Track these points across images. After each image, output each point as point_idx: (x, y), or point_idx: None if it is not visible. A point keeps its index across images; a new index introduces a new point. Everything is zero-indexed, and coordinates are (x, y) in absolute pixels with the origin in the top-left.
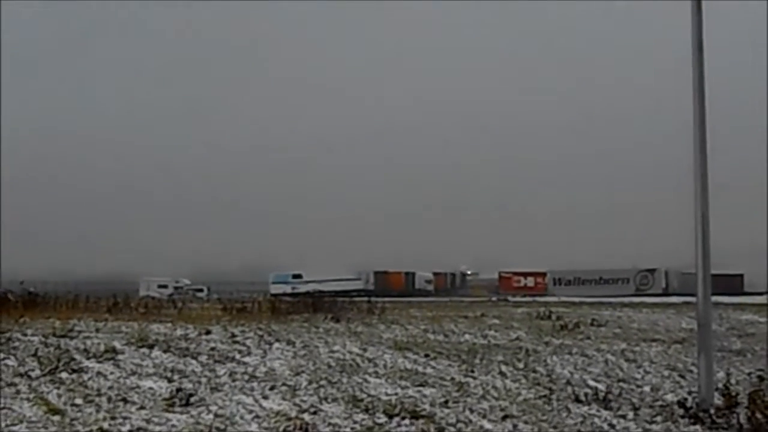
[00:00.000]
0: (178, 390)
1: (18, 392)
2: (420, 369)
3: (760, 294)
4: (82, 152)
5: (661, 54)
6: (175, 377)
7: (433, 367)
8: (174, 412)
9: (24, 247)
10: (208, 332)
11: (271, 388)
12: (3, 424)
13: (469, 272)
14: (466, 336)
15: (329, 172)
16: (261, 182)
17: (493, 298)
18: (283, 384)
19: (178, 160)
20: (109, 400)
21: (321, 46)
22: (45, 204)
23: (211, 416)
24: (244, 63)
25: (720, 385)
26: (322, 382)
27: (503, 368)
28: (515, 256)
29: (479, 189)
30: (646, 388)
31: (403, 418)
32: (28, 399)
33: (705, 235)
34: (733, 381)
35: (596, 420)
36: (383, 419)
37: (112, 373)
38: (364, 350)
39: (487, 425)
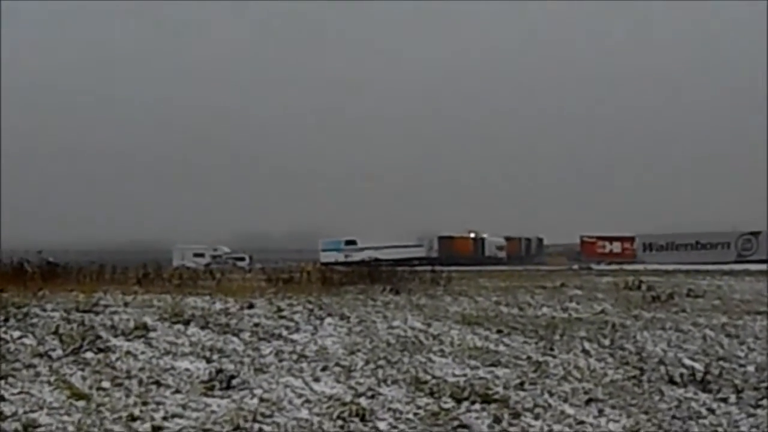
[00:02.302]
0: (218, 371)
1: (37, 375)
2: (492, 347)
3: None
4: (109, 108)
5: None
6: (215, 357)
7: (507, 345)
8: (213, 396)
9: (42, 212)
10: (251, 306)
11: (323, 369)
12: (21, 411)
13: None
14: (544, 309)
15: (386, 128)
16: (308, 140)
17: (574, 267)
18: (337, 364)
19: (216, 119)
20: (140, 383)
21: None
22: (65, 164)
23: (255, 401)
24: (306, 28)
25: None
26: (381, 362)
27: (587, 345)
28: (597, 218)
29: (551, 146)
30: (750, 368)
31: (473, 403)
32: (48, 382)
33: None
34: None
35: (693, 404)
36: (450, 404)
37: (143, 352)
38: (428, 325)
39: (569, 410)
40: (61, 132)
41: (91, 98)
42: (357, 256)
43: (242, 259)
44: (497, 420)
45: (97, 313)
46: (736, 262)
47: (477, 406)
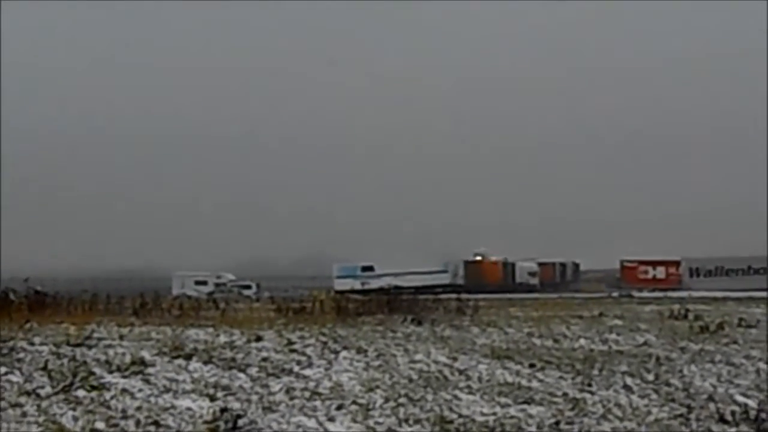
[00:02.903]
0: (223, 410)
1: (24, 414)
2: (524, 382)
3: None
4: (105, 128)
5: None
6: (219, 395)
7: (541, 380)
8: None
9: (30, 238)
10: (259, 339)
11: (339, 408)
12: None
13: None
14: (581, 341)
15: (405, 143)
16: (320, 158)
17: (614, 294)
18: (353, 402)
19: (219, 135)
20: (138, 423)
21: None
22: (53, 184)
23: None
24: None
25: None
26: (402, 400)
27: (628, 381)
28: (639, 240)
29: (588, 161)
30: None
31: None
32: (36, 423)
33: None
34: None
35: None
36: None
37: (140, 390)
38: (454, 359)
39: None
40: (46, 150)
41: (82, 113)
42: (375, 284)
43: (248, 287)
44: None
45: (89, 347)
46: None
47: None
